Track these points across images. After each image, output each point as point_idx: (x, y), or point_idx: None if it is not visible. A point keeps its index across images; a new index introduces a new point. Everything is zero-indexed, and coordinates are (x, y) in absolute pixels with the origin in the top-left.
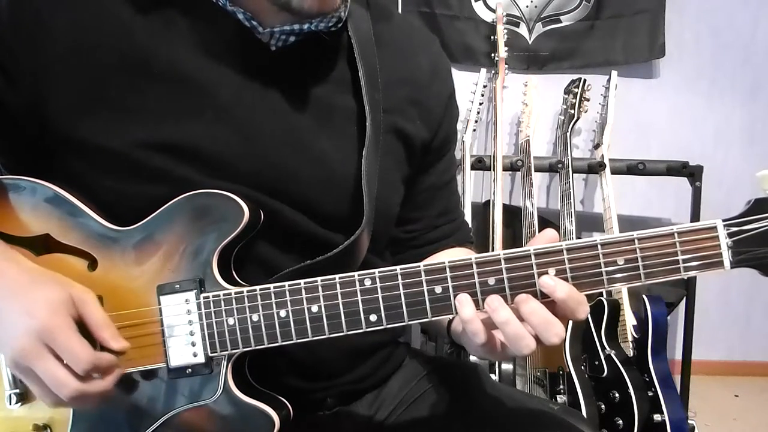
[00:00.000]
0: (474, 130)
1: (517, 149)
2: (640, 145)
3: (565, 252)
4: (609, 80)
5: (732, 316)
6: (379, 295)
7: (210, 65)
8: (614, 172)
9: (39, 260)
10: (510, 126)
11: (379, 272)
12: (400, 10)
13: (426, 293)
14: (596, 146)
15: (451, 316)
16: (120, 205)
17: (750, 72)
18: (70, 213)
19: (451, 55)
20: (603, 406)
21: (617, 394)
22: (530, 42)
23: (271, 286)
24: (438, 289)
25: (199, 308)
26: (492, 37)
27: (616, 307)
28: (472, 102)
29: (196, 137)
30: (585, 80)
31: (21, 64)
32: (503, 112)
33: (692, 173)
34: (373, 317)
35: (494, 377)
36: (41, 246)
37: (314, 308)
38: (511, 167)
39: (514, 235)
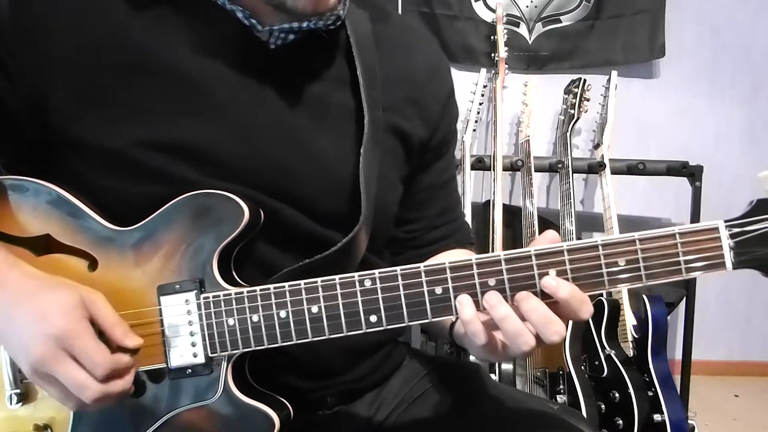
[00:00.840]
0: (474, 130)
1: (517, 149)
2: (640, 145)
3: (566, 253)
4: (609, 80)
5: (732, 316)
6: (379, 295)
7: (209, 64)
8: (614, 172)
9: (39, 261)
10: (510, 126)
11: (379, 273)
12: (400, 10)
13: (426, 294)
14: (596, 146)
15: (453, 318)
16: (120, 206)
17: (750, 72)
18: (70, 213)
19: (451, 55)
20: (603, 406)
21: (617, 394)
22: (530, 42)
23: (271, 286)
24: (438, 290)
25: (199, 309)
26: (492, 37)
27: (616, 307)
28: (472, 102)
29: (195, 136)
30: (585, 80)
31: (21, 64)
32: (503, 112)
33: (692, 173)
34: (373, 318)
35: (494, 377)
36: (41, 246)
37: (314, 309)
38: (511, 167)
39: (514, 236)
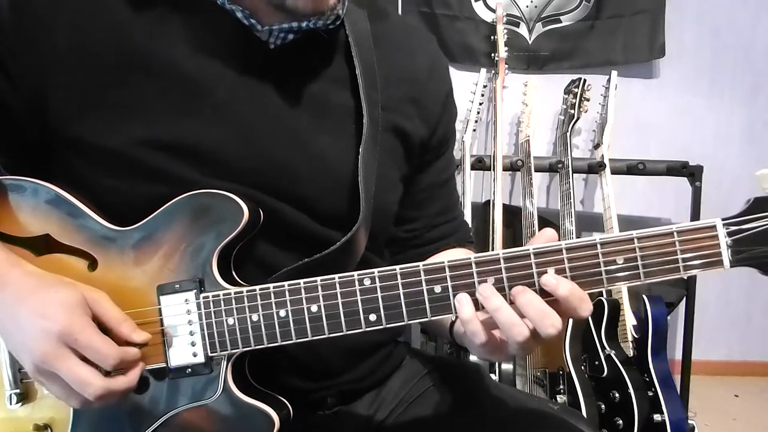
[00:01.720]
0: (474, 130)
1: (517, 149)
2: (640, 145)
3: (564, 251)
4: (609, 80)
5: (732, 316)
6: (379, 294)
7: (208, 63)
8: (614, 172)
9: (39, 261)
10: (510, 126)
11: (378, 272)
12: (400, 10)
13: (425, 293)
14: (596, 146)
15: (452, 317)
16: (120, 205)
17: (750, 72)
18: (70, 213)
19: (451, 55)
20: (603, 406)
21: (617, 394)
22: (530, 42)
23: (271, 286)
24: (437, 289)
25: (198, 308)
26: (492, 37)
27: (616, 307)
28: (472, 102)
29: (195, 136)
30: (585, 80)
31: (21, 64)
32: (503, 112)
33: (692, 173)
34: (372, 317)
35: (494, 377)
36: (41, 246)
37: (314, 308)
38: (511, 167)
39: (514, 235)
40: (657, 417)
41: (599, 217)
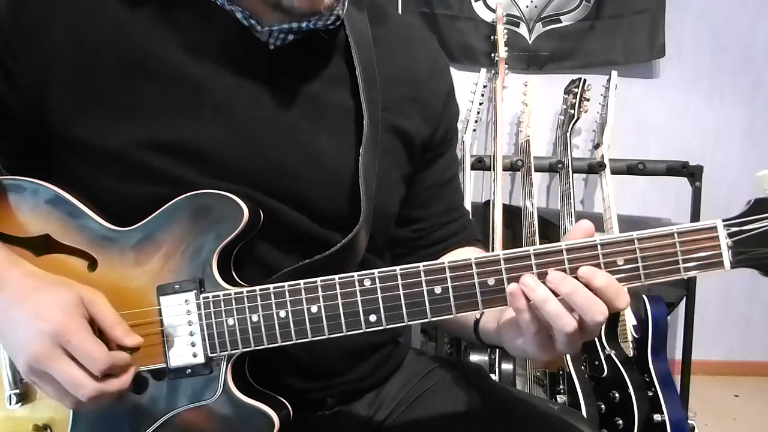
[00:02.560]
0: (474, 130)
1: (517, 149)
2: (640, 145)
3: (564, 252)
4: (609, 80)
5: (732, 316)
6: (379, 295)
7: (208, 64)
8: (614, 172)
9: (39, 261)
10: (510, 126)
11: (378, 272)
12: (400, 10)
13: (426, 294)
14: (596, 146)
15: (477, 315)
16: (119, 206)
17: (750, 72)
18: (69, 213)
19: (451, 55)
20: (603, 406)
21: (617, 394)
22: (530, 42)
23: (271, 286)
24: (438, 290)
25: (198, 309)
26: (492, 37)
27: None
28: (472, 102)
29: (195, 136)
30: (585, 80)
31: (20, 64)
32: (503, 112)
33: (692, 173)
34: (372, 318)
35: (494, 377)
36: (41, 246)
37: (314, 309)
38: (511, 167)
39: (514, 235)
40: (657, 417)
41: (599, 217)
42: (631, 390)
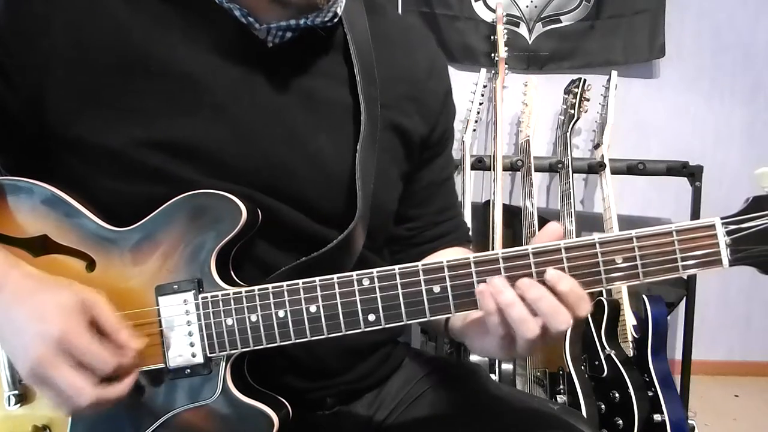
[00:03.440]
0: (474, 130)
1: (517, 149)
2: (640, 145)
3: (563, 251)
4: (609, 80)
5: (732, 316)
6: (378, 294)
7: (207, 62)
8: (614, 172)
9: (37, 261)
10: (510, 126)
11: (377, 272)
12: (400, 10)
13: (424, 293)
14: (596, 146)
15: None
16: (118, 206)
17: (750, 72)
18: (67, 214)
19: (451, 55)
20: (603, 406)
21: (617, 394)
22: (530, 42)
23: (270, 286)
24: (436, 289)
25: (197, 309)
26: (492, 37)
27: (616, 307)
28: (472, 102)
29: (193, 135)
30: (585, 80)
31: (20, 64)
32: (503, 112)
33: (692, 173)
34: (371, 317)
35: (494, 377)
36: (39, 247)
37: (312, 308)
38: (511, 167)
39: (514, 235)
40: (657, 417)
41: (599, 217)
42: (631, 390)
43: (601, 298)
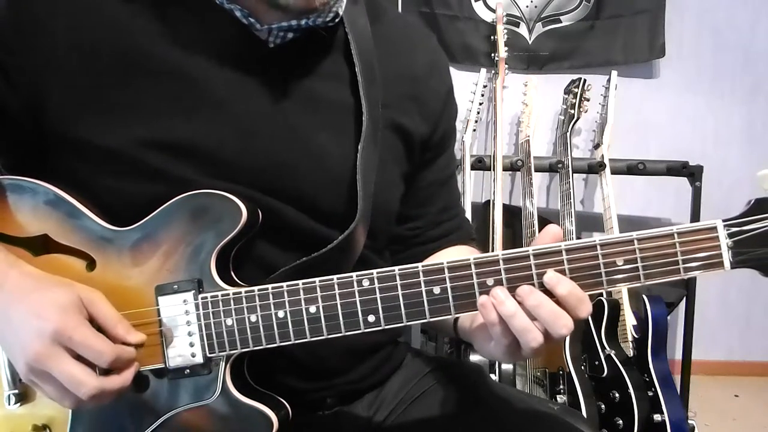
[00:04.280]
0: (474, 130)
1: (517, 149)
2: (640, 145)
3: (564, 252)
4: (609, 80)
5: (732, 316)
6: (378, 295)
7: (208, 63)
8: (614, 172)
9: (37, 261)
10: (510, 126)
11: (377, 273)
12: (400, 10)
13: (424, 294)
14: (596, 146)
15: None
16: (118, 205)
17: (750, 72)
18: (68, 213)
19: (451, 55)
20: (603, 406)
21: (617, 394)
22: (530, 42)
23: (270, 286)
24: (436, 290)
25: (197, 309)
26: (492, 37)
27: (616, 307)
28: (472, 102)
29: (194, 135)
30: (585, 80)
31: (20, 64)
32: (503, 112)
33: (692, 173)
34: (371, 318)
35: (494, 377)
36: (39, 246)
37: (312, 309)
38: (511, 167)
39: (514, 235)
40: (657, 417)
41: (599, 217)
42: (631, 390)
43: (601, 298)
